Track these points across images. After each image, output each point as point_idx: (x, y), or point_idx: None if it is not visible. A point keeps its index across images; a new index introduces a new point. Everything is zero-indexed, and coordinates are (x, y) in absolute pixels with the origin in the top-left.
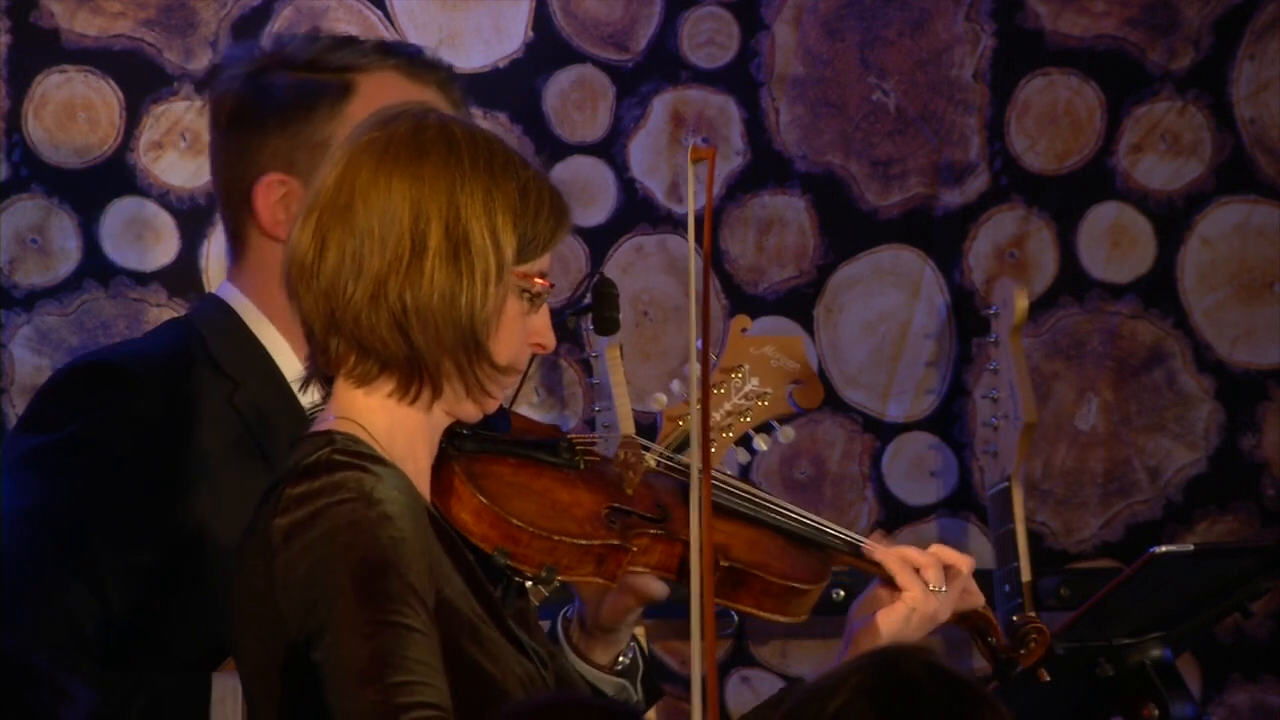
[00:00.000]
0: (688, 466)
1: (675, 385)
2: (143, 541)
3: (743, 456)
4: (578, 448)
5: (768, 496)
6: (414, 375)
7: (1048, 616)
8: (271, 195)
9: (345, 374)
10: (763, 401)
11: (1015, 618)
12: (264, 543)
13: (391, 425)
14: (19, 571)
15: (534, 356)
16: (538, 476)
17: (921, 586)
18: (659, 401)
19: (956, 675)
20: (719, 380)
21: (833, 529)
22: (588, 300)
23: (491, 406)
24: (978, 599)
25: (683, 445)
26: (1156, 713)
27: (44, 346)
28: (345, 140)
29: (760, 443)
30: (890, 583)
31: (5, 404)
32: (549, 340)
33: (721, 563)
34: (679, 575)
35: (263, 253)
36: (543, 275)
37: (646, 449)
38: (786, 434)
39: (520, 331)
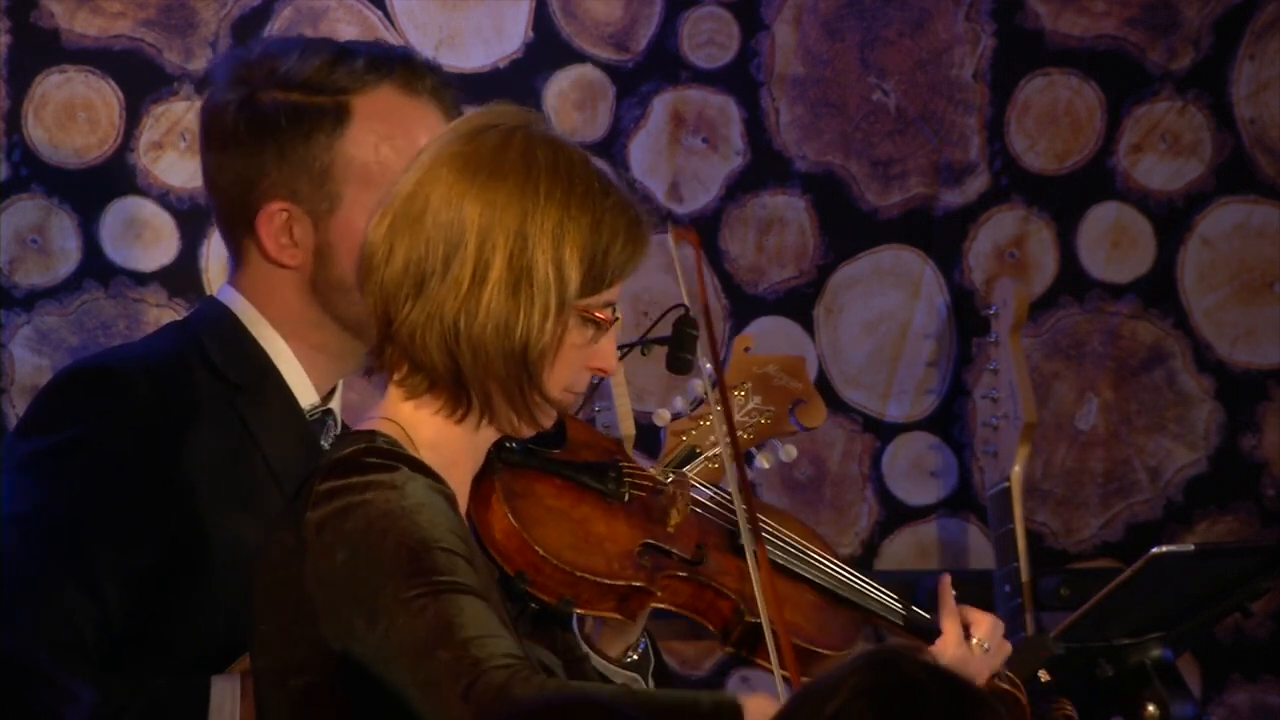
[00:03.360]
0: (734, 510)
1: (677, 401)
2: (141, 544)
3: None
4: (626, 478)
5: (811, 548)
6: (461, 396)
7: (1048, 617)
8: (275, 223)
9: (397, 382)
10: (765, 419)
11: (1047, 702)
12: (295, 537)
13: (436, 438)
14: (19, 574)
15: (592, 380)
16: (578, 503)
17: (959, 635)
18: (662, 418)
19: (955, 676)
20: (715, 399)
21: (875, 589)
22: (666, 333)
23: (548, 424)
24: (1005, 650)
25: (686, 459)
26: (1156, 713)
27: (44, 346)
28: (433, 141)
29: (762, 460)
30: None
31: (5, 404)
32: (611, 366)
33: (748, 619)
34: (711, 623)
35: (264, 270)
36: (610, 305)
37: (696, 486)
38: (789, 452)
39: (579, 359)
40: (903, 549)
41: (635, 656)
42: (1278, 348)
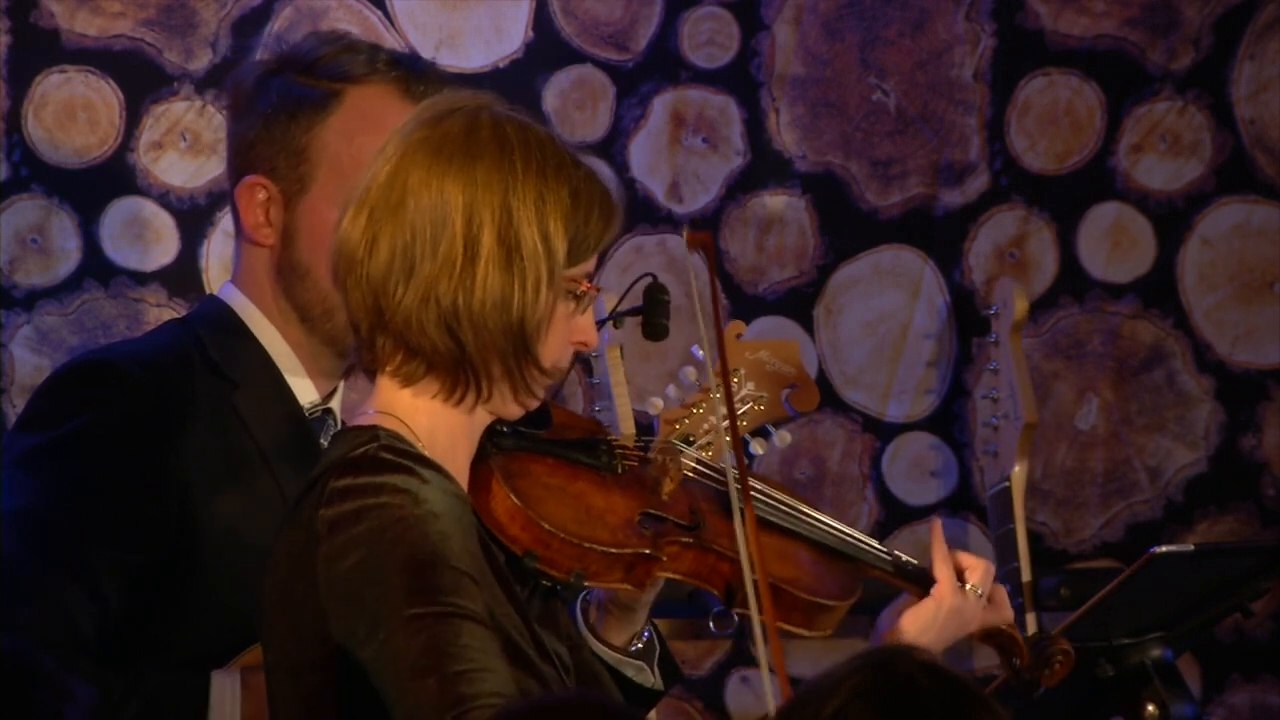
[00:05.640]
0: (724, 473)
1: (671, 390)
2: (139, 541)
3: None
4: (617, 450)
5: (801, 506)
6: (460, 377)
7: (1048, 617)
8: (252, 198)
9: (391, 372)
10: (758, 405)
11: (1042, 639)
12: (306, 533)
13: (433, 425)
14: (18, 571)
15: (576, 354)
16: (574, 479)
17: (953, 581)
18: (655, 406)
19: (954, 675)
20: (715, 385)
21: (866, 542)
22: (637, 303)
23: (534, 405)
24: (1007, 614)
25: None
26: (1156, 713)
27: (44, 346)
28: (396, 133)
29: (756, 446)
30: (921, 593)
31: (5, 404)
32: (592, 339)
33: (752, 575)
34: (714, 587)
35: (249, 256)
36: (589, 276)
37: (684, 453)
38: (783, 438)
39: (565, 332)
40: (903, 549)
41: (640, 645)
42: (1278, 348)
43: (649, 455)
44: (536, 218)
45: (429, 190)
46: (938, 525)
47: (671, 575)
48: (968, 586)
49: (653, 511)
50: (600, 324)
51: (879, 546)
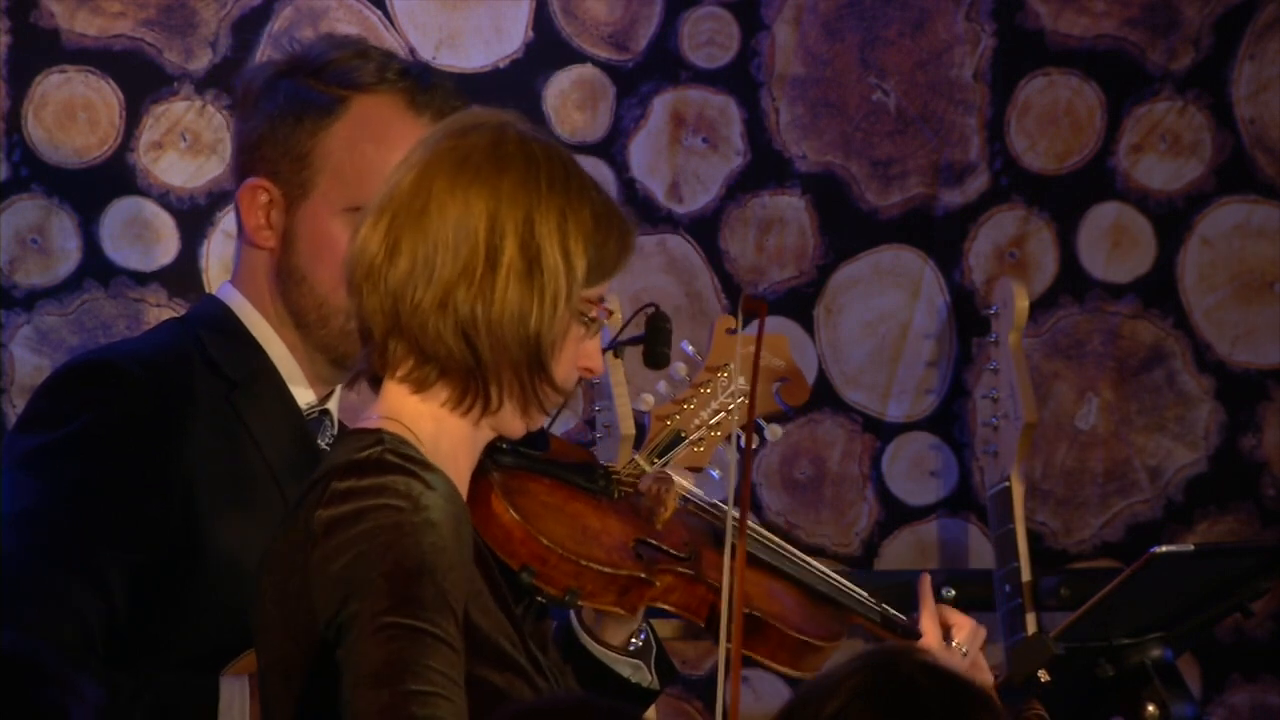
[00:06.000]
0: (718, 508)
1: (662, 385)
2: (141, 540)
3: (731, 454)
4: (614, 477)
5: (792, 550)
6: (471, 386)
7: (1048, 617)
8: (254, 200)
9: (401, 377)
10: (749, 400)
11: (1020, 708)
12: (304, 533)
13: (438, 433)
14: (22, 571)
15: (580, 380)
16: (571, 500)
17: (939, 638)
18: (646, 402)
19: (953, 675)
20: (705, 379)
21: (856, 591)
22: (639, 332)
23: (537, 425)
24: (987, 677)
25: (671, 444)
26: (1156, 713)
27: (44, 346)
28: (420, 144)
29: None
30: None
31: (5, 404)
32: (598, 365)
33: (743, 609)
34: (703, 619)
35: (249, 257)
36: (602, 299)
37: (678, 483)
38: (774, 431)
39: (575, 354)
40: (903, 549)
41: (638, 644)
42: (1278, 348)
43: (645, 487)
44: (558, 234)
45: (453, 199)
46: (926, 581)
47: (662, 605)
48: (953, 644)
49: (649, 541)
50: (602, 351)
51: (868, 597)
